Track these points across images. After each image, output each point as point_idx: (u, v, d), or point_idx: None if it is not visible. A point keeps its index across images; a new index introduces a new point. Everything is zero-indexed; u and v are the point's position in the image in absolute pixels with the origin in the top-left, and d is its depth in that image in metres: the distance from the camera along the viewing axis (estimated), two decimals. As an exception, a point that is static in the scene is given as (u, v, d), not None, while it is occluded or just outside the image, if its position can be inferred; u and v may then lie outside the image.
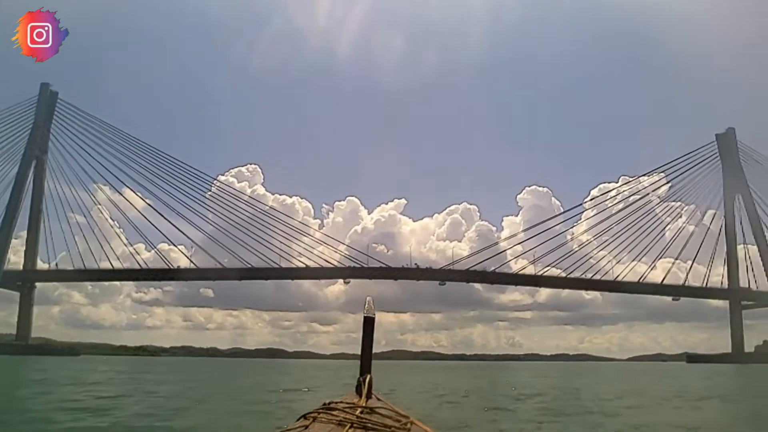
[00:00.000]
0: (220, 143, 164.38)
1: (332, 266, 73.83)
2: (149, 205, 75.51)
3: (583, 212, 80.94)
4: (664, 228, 78.93)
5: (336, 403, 1.81)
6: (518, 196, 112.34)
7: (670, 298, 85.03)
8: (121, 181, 75.91)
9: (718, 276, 77.92)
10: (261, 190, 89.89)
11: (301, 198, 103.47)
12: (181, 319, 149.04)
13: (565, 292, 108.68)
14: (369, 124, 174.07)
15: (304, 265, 73.08)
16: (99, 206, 76.40)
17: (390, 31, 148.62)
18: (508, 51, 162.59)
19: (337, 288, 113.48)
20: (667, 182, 79.50)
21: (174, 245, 75.30)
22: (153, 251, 75.33)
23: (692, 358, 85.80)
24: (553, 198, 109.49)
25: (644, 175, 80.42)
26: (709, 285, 77.35)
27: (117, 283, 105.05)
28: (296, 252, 74.19)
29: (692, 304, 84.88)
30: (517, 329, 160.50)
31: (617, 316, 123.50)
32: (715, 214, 79.45)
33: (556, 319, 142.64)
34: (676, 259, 77.65)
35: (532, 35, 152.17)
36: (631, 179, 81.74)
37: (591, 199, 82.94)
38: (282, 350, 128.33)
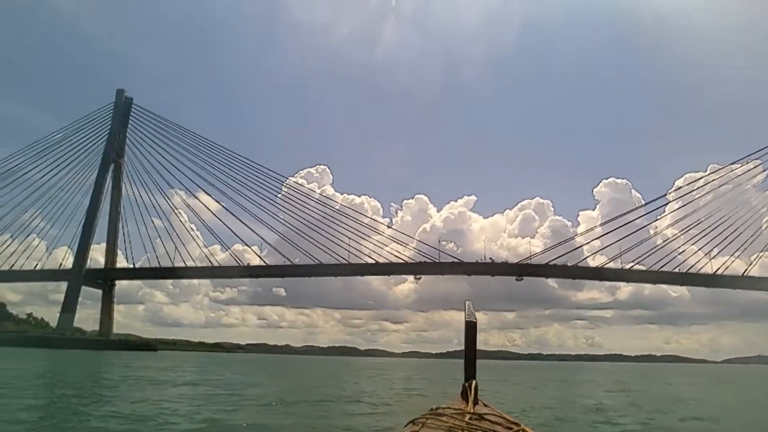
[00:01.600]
0: (289, 145, 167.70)
1: (403, 262, 71.67)
2: (223, 207, 76.89)
3: (667, 204, 73.44)
4: (762, 220, 70.02)
5: (443, 408, 1.75)
6: (595, 190, 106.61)
7: (764, 295, 76.90)
8: (197, 184, 77.46)
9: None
10: (330, 190, 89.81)
11: (370, 197, 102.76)
12: (256, 317, 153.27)
13: (648, 290, 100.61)
14: (437, 123, 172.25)
15: (374, 261, 71.22)
16: (176, 210, 78.44)
17: (454, 25, 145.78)
18: (575, 40, 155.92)
19: (406, 286, 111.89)
20: (764, 170, 70.73)
21: (247, 245, 76.19)
22: (227, 252, 76.64)
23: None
24: (632, 190, 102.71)
25: (736, 162, 72.18)
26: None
27: (195, 282, 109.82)
28: (366, 250, 73.01)
29: None
30: (596, 328, 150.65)
31: (707, 314, 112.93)
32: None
33: (639, 318, 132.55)
34: None
35: (599, 25, 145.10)
36: (721, 167, 73.54)
37: (675, 190, 75.61)
38: (354, 348, 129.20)
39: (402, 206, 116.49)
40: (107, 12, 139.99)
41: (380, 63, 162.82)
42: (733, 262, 66.56)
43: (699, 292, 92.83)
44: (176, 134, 78.56)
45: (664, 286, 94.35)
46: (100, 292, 79.63)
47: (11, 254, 75.98)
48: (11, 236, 76.97)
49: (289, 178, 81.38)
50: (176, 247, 74.55)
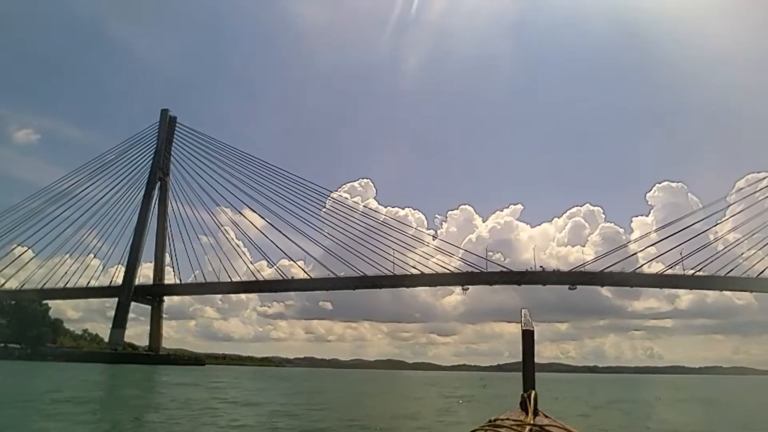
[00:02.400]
0: (332, 159, 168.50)
1: (449, 272, 69.71)
2: (269, 223, 77.07)
3: (728, 207, 68.67)
4: None
5: (502, 420, 1.73)
6: (648, 194, 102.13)
7: None
8: (241, 201, 78.02)
9: None
10: (374, 203, 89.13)
11: (414, 209, 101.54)
12: (303, 331, 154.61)
13: (711, 298, 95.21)
14: (477, 130, 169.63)
15: (419, 272, 69.57)
16: (223, 228, 79.18)
17: (493, 37, 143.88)
18: (625, 40, 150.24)
19: (454, 298, 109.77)
20: None
21: (293, 260, 76.17)
22: (274, 268, 76.75)
23: None
24: (689, 194, 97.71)
25: None
26: None
27: (243, 297, 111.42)
28: (412, 262, 71.63)
29: None
30: (655, 339, 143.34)
31: None
32: None
33: (703, 328, 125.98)
34: None
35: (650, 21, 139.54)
36: None
37: (737, 191, 70.74)
38: (402, 362, 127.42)
39: (447, 217, 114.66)
40: (151, 28, 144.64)
41: (415, 68, 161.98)
42: None
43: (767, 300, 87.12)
44: (220, 151, 79.71)
45: (728, 294, 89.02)
46: (149, 308, 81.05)
47: (65, 272, 78.32)
48: (68, 254, 79.43)
49: (333, 192, 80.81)
50: (222, 263, 75.42)
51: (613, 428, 13.37)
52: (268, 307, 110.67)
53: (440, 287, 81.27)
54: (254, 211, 77.81)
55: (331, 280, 71.95)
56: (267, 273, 77.12)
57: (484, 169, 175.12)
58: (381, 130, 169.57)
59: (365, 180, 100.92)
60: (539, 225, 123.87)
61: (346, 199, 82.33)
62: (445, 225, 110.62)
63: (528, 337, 2.00)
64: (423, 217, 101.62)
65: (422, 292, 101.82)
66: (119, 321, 77.38)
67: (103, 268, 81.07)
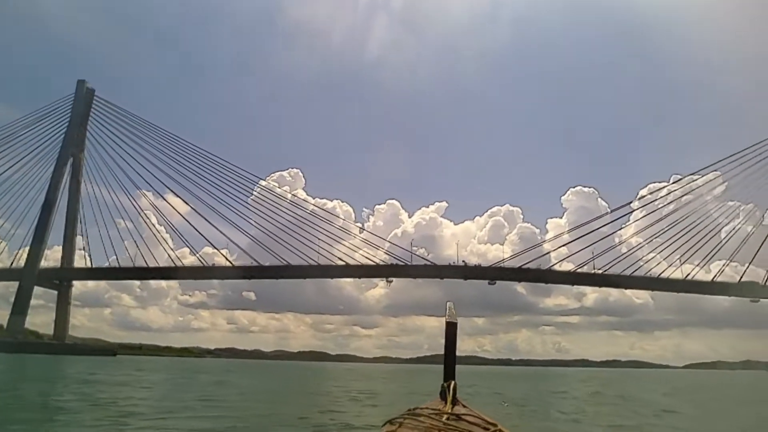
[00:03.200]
0: (261, 148, 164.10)
1: (374, 264, 69.85)
2: (193, 209, 73.43)
3: (631, 213, 74.07)
4: (722, 227, 70.78)
5: (421, 409, 1.77)
6: (563, 198, 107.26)
7: (726, 303, 78.96)
8: (164, 184, 73.92)
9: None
10: (302, 194, 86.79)
11: (342, 201, 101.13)
12: (226, 321, 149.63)
13: (614, 297, 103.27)
14: (408, 129, 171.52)
15: (345, 264, 69.19)
16: (144, 212, 74.58)
17: (421, 34, 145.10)
18: (547, 51, 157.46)
19: (377, 292, 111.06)
20: (723, 182, 71.99)
21: (216, 248, 73.18)
22: (196, 255, 73.37)
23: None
24: (599, 199, 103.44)
25: (697, 172, 73.22)
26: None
27: (164, 285, 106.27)
28: (338, 253, 70.97)
29: (752, 308, 77.71)
30: (564, 334, 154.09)
31: (670, 321, 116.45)
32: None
33: (606, 324, 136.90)
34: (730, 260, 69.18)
35: (572, 34, 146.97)
36: (683, 178, 74.66)
37: (639, 199, 76.22)
38: (325, 353, 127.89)
39: (374, 211, 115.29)
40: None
41: (361, 66, 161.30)
42: (693, 270, 67.72)
43: (663, 299, 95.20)
44: (143, 129, 74.67)
45: (629, 293, 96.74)
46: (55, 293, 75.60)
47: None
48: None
49: (262, 180, 78.39)
50: (139, 249, 71.34)
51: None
52: (190, 296, 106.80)
53: (364, 281, 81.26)
54: (178, 196, 74.05)
55: (254, 268, 70.12)
56: (189, 261, 73.86)
57: (412, 166, 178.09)
58: (315, 120, 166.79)
59: (295, 170, 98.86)
60: (462, 223, 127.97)
61: (275, 187, 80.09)
62: (372, 219, 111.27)
63: (451, 328, 2.01)
64: (351, 210, 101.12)
65: (347, 285, 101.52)
66: (20, 307, 71.38)
67: (5, 249, 75.02)
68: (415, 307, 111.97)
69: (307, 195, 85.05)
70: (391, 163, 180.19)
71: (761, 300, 71.63)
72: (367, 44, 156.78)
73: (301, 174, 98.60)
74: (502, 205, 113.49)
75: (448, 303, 2.08)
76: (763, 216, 71.33)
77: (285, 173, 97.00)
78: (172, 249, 73.49)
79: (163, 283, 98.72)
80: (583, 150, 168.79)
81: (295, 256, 68.75)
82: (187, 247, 74.02)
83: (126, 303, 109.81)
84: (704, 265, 67.96)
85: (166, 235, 74.76)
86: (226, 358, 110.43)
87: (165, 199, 74.62)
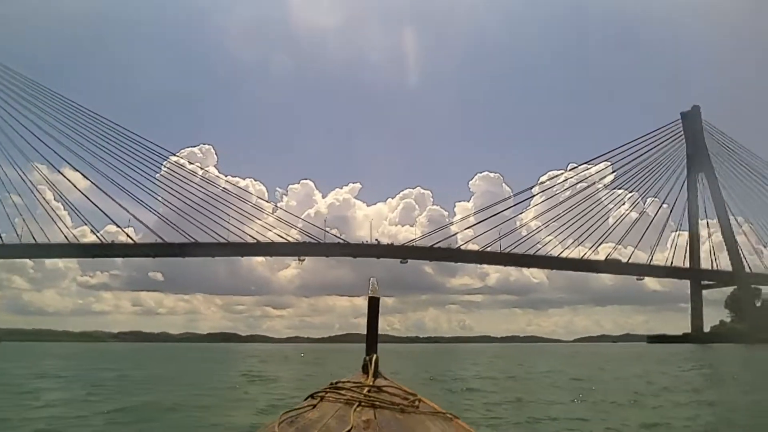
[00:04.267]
0: (171, 124, 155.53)
1: (287, 242, 68.69)
2: (94, 184, 67.84)
3: (532, 198, 78.90)
4: (611, 214, 77.20)
5: (343, 382, 1.82)
6: (470, 182, 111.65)
7: (610, 282, 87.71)
8: (61, 157, 67.16)
9: (661, 260, 77.41)
10: (214, 171, 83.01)
11: (255, 180, 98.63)
12: (131, 303, 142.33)
13: (514, 277, 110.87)
14: (322, 109, 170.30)
15: (255, 241, 67.51)
16: (37, 187, 67.75)
17: (341, 16, 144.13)
18: (461, 39, 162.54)
19: (290, 272, 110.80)
20: (612, 171, 78.69)
21: (119, 227, 68.14)
22: (97, 234, 68.04)
23: (653, 339, 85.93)
24: (503, 184, 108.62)
25: (590, 161, 79.20)
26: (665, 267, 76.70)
27: (61, 266, 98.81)
28: (251, 233, 68.75)
29: (633, 287, 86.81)
30: (468, 312, 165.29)
31: (563, 300, 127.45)
32: (667, 198, 78.70)
33: (506, 303, 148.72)
34: (619, 243, 75.87)
35: (486, 21, 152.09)
36: (577, 166, 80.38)
37: (540, 184, 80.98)
38: (235, 335, 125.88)
39: (288, 191, 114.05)
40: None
41: (277, 43, 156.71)
42: (585, 252, 72.93)
43: (557, 279, 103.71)
44: (36, 94, 67.30)
45: (527, 273, 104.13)
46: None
47: None
48: None
49: (172, 156, 73.97)
50: (28, 227, 64.90)
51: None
52: (90, 276, 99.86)
53: (276, 261, 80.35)
54: (77, 170, 67.94)
55: (158, 245, 66.63)
56: (89, 240, 68.76)
57: (325, 145, 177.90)
58: (227, 95, 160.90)
59: (207, 146, 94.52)
60: (375, 204, 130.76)
61: (186, 164, 76.05)
62: (285, 198, 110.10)
63: (373, 303, 2.05)
64: (264, 189, 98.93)
65: (258, 265, 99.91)
66: None
67: None
68: (327, 287, 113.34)
69: (219, 173, 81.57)
70: (307, 144, 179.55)
71: (645, 278, 79.18)
72: (285, 19, 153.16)
73: (213, 150, 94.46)
74: (413, 188, 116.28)
75: (371, 279, 2.10)
76: (644, 203, 78.91)
77: (196, 149, 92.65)
78: (71, 227, 67.96)
79: (60, 263, 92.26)
80: (491, 137, 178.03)
81: (205, 234, 66.21)
82: (87, 225, 68.99)
83: (18, 285, 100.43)
84: (594, 248, 73.66)
85: (64, 213, 69.01)
86: (131, 341, 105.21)
87: (62, 173, 68.45)
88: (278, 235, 69.16)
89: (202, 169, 78.17)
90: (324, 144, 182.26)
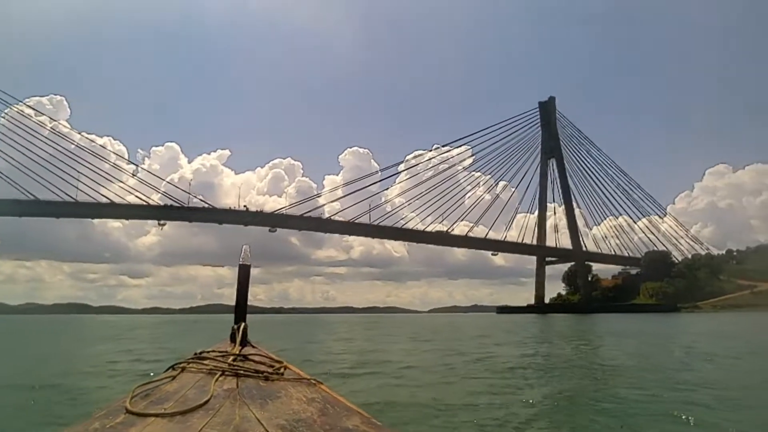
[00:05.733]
0: (17, 69, 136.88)
1: (146, 204, 64.28)
2: None
3: (398, 174, 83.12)
4: (468, 194, 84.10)
5: (208, 352, 1.76)
6: (340, 156, 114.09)
7: (462, 257, 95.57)
8: None
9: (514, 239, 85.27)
10: (66, 125, 74.50)
11: (114, 139, 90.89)
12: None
13: (377, 250, 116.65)
14: (193, 71, 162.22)
15: (110, 201, 62.35)
16: None
17: None
18: (338, 13, 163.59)
19: (149, 239, 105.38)
20: (472, 154, 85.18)
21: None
22: None
23: (501, 309, 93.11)
24: (372, 160, 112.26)
25: (451, 143, 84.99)
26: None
27: None
28: (110, 195, 63.61)
29: (482, 263, 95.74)
30: (332, 284, 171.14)
31: (421, 272, 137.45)
32: (522, 181, 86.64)
33: (368, 275, 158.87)
34: (480, 224, 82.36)
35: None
36: (440, 147, 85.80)
37: (405, 162, 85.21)
38: (86, 305, 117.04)
39: (150, 153, 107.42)
40: None
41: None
42: (444, 229, 78.15)
43: (417, 253, 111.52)
44: None
45: (389, 247, 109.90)
46: None
47: None
48: None
49: (17, 104, 65.11)
50: None
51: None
52: None
53: (135, 227, 76.16)
54: None
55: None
56: None
57: (194, 107, 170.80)
58: (84, 45, 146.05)
59: (58, 97, 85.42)
60: (243, 173, 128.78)
61: (32, 115, 67.35)
62: (147, 161, 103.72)
63: (244, 271, 2.03)
64: (124, 149, 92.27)
65: (114, 231, 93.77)
66: None
67: None
68: (189, 255, 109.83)
69: (72, 128, 73.64)
70: (175, 106, 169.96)
71: (498, 254, 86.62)
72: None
73: (65, 103, 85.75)
74: (284, 158, 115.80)
75: (244, 246, 2.05)
76: (499, 186, 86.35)
77: (45, 99, 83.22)
78: None
79: None
80: (364, 113, 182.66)
81: (50, 193, 59.89)
82: None
83: None
84: (451, 226, 79.21)
85: None
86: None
87: None
88: (139, 198, 64.86)
89: (53, 121, 70.34)
90: (192, 107, 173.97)
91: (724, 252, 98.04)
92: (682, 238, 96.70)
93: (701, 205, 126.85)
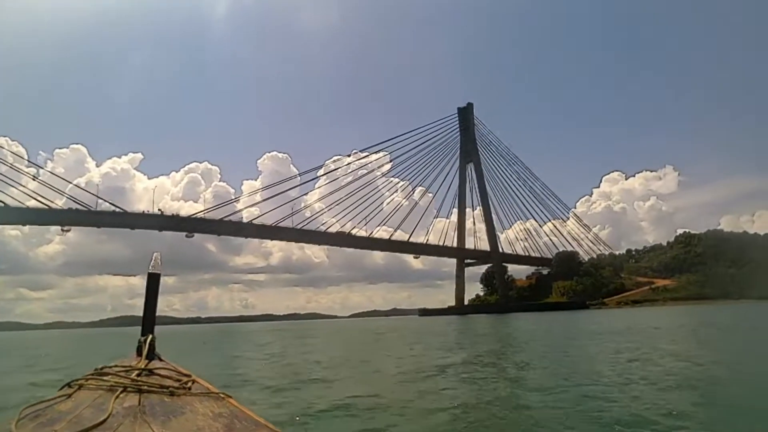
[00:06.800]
0: None
1: (48, 208, 59.58)
2: None
3: (317, 179, 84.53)
4: (386, 200, 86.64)
5: (110, 367, 1.61)
6: (258, 161, 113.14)
7: (381, 262, 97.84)
8: None
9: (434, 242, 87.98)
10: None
11: (12, 140, 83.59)
12: None
13: (296, 256, 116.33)
14: (101, 69, 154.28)
15: (3, 204, 57.22)
16: None
17: None
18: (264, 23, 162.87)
19: (51, 248, 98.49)
20: (390, 160, 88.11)
21: None
22: None
23: (423, 312, 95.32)
24: (291, 165, 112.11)
25: (368, 148, 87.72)
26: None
27: None
28: (3, 200, 57.96)
29: (400, 267, 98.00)
30: (251, 291, 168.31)
31: (340, 277, 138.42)
32: (442, 184, 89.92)
33: (288, 281, 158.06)
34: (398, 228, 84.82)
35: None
36: (360, 151, 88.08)
37: (324, 167, 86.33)
38: None
39: (54, 155, 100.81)
40: None
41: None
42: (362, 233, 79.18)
43: (336, 257, 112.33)
44: None
45: (309, 252, 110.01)
46: None
47: None
48: None
49: None
50: None
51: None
52: None
53: (35, 234, 70.86)
54: None
55: None
56: None
57: (103, 105, 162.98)
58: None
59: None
60: (157, 177, 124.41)
61: None
62: (50, 164, 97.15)
63: (153, 280, 1.89)
64: (24, 150, 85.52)
65: (11, 239, 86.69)
66: None
67: None
68: (97, 265, 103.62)
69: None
70: (82, 105, 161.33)
71: (421, 257, 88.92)
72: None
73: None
74: (201, 162, 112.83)
75: (155, 254, 1.93)
76: (418, 192, 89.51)
77: None
78: None
79: None
80: (285, 117, 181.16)
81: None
82: None
83: None
84: (371, 231, 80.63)
85: None
86: None
87: None
88: (40, 203, 60.03)
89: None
90: (103, 108, 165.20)
91: (624, 252, 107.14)
92: (584, 239, 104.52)
93: (599, 209, 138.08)
